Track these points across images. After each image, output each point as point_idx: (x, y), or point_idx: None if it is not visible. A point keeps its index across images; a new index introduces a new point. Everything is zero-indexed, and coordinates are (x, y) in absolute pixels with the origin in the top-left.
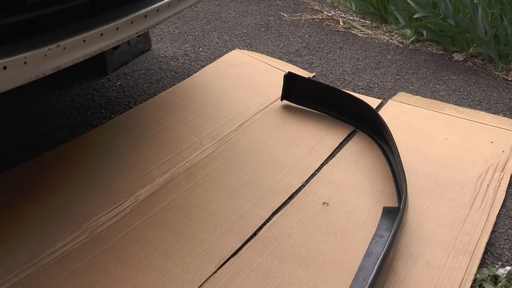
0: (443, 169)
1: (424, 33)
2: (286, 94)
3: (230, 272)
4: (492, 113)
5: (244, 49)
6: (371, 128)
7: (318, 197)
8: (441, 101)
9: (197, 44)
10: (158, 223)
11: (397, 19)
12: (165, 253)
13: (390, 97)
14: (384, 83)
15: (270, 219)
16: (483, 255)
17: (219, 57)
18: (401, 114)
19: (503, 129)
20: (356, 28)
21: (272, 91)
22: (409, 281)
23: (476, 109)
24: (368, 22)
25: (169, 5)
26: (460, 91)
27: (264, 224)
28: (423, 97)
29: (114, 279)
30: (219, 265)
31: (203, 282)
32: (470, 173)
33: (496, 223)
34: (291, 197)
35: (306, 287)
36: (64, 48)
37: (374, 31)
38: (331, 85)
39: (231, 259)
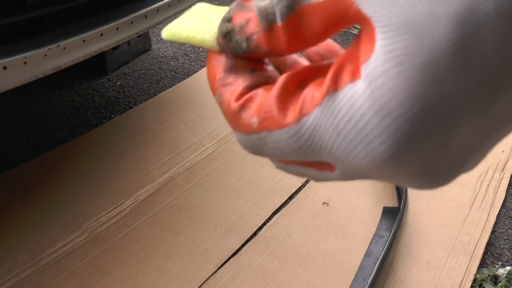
0: None
1: None
2: None
3: (230, 272)
4: None
5: None
6: None
7: (318, 197)
8: None
9: None
10: (158, 223)
11: None
12: (165, 253)
13: None
14: None
15: (270, 219)
16: (483, 255)
17: None
18: None
19: None
20: (357, 28)
21: None
22: (409, 281)
23: None
24: None
25: (169, 5)
26: None
27: (264, 224)
28: None
29: (114, 279)
30: (219, 265)
31: (203, 282)
32: (470, 173)
33: (496, 223)
34: (291, 197)
35: (306, 287)
36: (64, 48)
37: None
38: None
39: (231, 259)
